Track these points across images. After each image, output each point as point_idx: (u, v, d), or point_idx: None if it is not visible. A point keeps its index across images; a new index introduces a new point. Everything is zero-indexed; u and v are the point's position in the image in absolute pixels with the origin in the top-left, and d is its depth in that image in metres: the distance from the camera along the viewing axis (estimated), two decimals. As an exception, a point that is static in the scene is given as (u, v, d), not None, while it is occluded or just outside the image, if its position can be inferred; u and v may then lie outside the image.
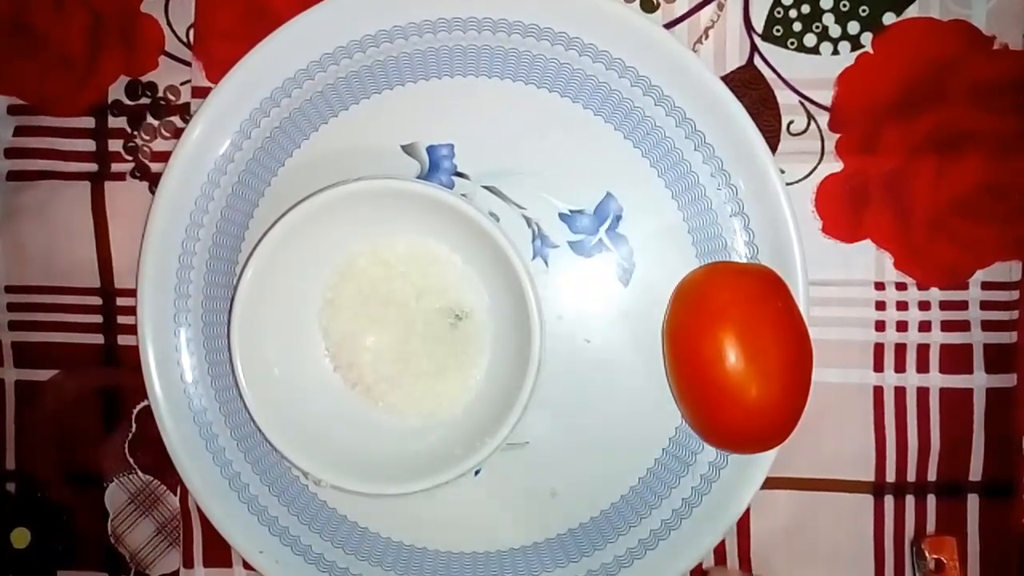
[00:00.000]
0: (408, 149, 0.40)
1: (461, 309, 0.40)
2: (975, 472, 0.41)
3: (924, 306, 0.40)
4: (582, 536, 0.41)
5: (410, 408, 0.40)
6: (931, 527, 0.41)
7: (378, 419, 0.40)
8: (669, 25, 0.40)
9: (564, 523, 0.41)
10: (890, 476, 0.41)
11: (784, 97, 0.40)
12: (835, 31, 0.40)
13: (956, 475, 0.41)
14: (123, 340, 0.43)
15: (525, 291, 0.36)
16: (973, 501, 0.41)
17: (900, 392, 0.41)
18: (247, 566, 0.42)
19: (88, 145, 0.43)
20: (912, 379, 0.41)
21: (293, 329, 0.40)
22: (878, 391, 0.41)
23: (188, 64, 0.42)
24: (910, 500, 0.41)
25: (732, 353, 0.35)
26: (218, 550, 0.43)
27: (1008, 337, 0.40)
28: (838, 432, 0.41)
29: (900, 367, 0.41)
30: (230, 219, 0.41)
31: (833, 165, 0.40)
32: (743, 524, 0.41)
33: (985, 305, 0.40)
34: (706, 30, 0.40)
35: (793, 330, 0.36)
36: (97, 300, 0.43)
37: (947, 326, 0.40)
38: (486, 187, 0.40)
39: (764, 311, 0.36)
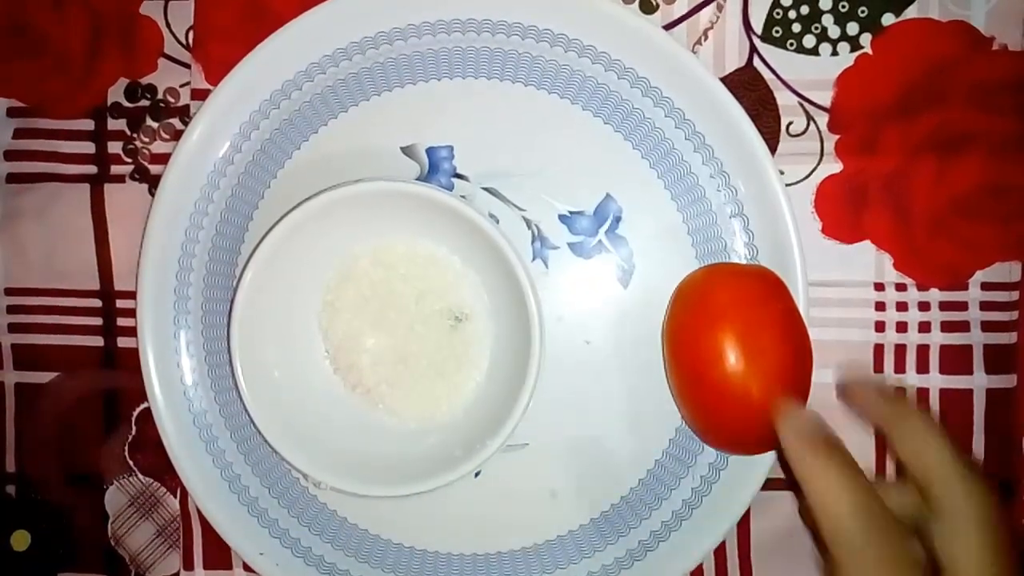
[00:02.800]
0: (407, 151, 0.40)
1: (461, 311, 0.40)
2: (975, 473, 0.41)
3: (924, 307, 0.40)
4: (582, 537, 0.41)
5: (410, 410, 0.40)
6: (931, 528, 0.41)
7: (378, 421, 0.40)
8: (668, 26, 0.40)
9: (564, 524, 0.41)
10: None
11: (783, 98, 0.40)
12: (834, 32, 0.40)
13: (956, 476, 0.41)
14: (123, 342, 0.43)
15: (525, 293, 0.36)
16: (973, 502, 0.41)
17: (900, 393, 0.41)
18: (247, 568, 0.42)
19: (87, 147, 0.43)
20: (912, 380, 0.41)
21: (293, 331, 0.40)
22: (878, 392, 0.41)
23: (187, 66, 0.42)
24: (910, 501, 0.41)
25: (732, 354, 0.35)
26: (218, 552, 0.43)
27: (1008, 338, 0.40)
28: (838, 432, 0.41)
29: (900, 368, 0.41)
30: (230, 221, 0.41)
31: (832, 166, 0.40)
32: (743, 524, 0.41)
33: (985, 306, 0.40)
34: (705, 31, 0.40)
35: (793, 331, 0.36)
36: (97, 302, 0.43)
37: (947, 327, 0.40)
38: (486, 189, 0.40)
39: (764, 312, 0.36)
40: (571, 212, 0.40)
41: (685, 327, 0.37)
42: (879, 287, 0.41)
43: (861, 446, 0.41)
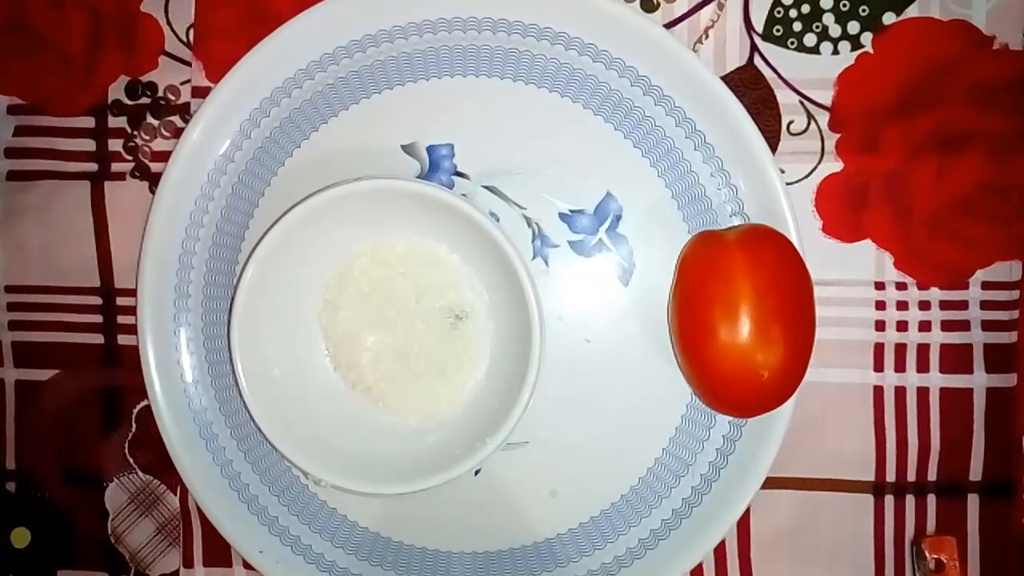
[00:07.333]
0: (408, 149, 0.40)
1: (461, 309, 0.40)
2: (975, 472, 0.41)
3: (924, 306, 0.40)
4: (582, 536, 0.41)
5: (410, 408, 0.40)
6: (931, 527, 0.41)
7: (378, 419, 0.40)
8: (669, 25, 0.40)
9: (564, 523, 0.41)
10: (890, 476, 0.41)
11: (784, 97, 0.40)
12: (835, 31, 0.40)
13: (956, 475, 0.41)
14: (123, 340, 0.43)
15: (525, 291, 0.36)
16: (973, 501, 0.41)
17: (900, 392, 0.41)
18: (247, 566, 0.42)
19: (88, 145, 0.43)
20: (912, 379, 0.41)
21: (293, 329, 0.40)
22: (878, 391, 0.41)
23: (188, 64, 0.42)
24: (910, 500, 0.41)
25: (739, 323, 0.35)
26: (218, 550, 0.43)
27: (1008, 337, 0.40)
28: (838, 432, 0.41)
29: (900, 367, 0.41)
30: (230, 219, 0.41)
31: (833, 165, 0.40)
32: (743, 524, 0.41)
33: (985, 305, 0.40)
34: (706, 30, 0.40)
35: (799, 294, 0.36)
36: (97, 300, 0.43)
37: (947, 326, 0.40)
38: (486, 187, 0.40)
39: (772, 278, 0.36)
40: (571, 210, 0.40)
41: (692, 295, 0.37)
42: (879, 286, 0.41)
43: (861, 447, 0.41)
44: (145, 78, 0.42)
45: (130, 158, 0.43)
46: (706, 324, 0.36)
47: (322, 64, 0.40)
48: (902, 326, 0.40)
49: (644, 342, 0.40)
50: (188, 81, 0.42)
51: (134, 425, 0.43)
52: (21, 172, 0.43)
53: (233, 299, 0.37)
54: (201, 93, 0.41)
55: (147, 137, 0.43)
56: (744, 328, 0.35)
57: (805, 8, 0.40)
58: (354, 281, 0.40)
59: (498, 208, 0.40)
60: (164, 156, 0.41)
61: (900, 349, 0.40)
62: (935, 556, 0.40)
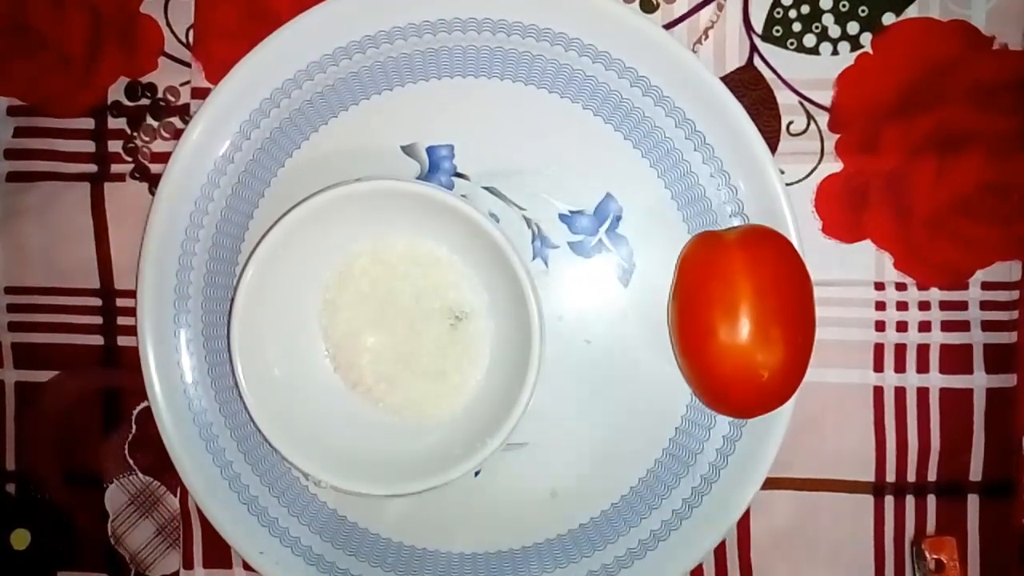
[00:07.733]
0: (408, 150, 0.40)
1: (461, 310, 0.40)
2: (975, 472, 0.41)
3: (924, 306, 0.40)
4: (582, 537, 0.41)
5: (410, 409, 0.40)
6: (931, 527, 0.41)
7: (378, 420, 0.40)
8: (669, 25, 0.40)
9: (564, 524, 0.41)
10: (890, 476, 0.41)
11: (784, 97, 0.40)
12: (835, 31, 0.40)
13: (956, 475, 0.41)
14: (123, 341, 0.43)
15: (525, 292, 0.36)
16: (973, 501, 0.41)
17: (900, 392, 0.41)
18: (247, 567, 0.42)
19: (88, 146, 0.43)
20: (912, 379, 0.41)
21: (293, 330, 0.40)
22: (878, 391, 0.41)
23: (188, 65, 0.42)
24: (910, 500, 0.41)
25: (739, 322, 0.35)
26: (218, 551, 0.43)
27: (1008, 337, 0.40)
28: (838, 432, 0.41)
29: (900, 367, 0.41)
30: (230, 220, 0.41)
31: (833, 165, 0.40)
32: (743, 524, 0.41)
33: (985, 305, 0.40)
34: (706, 30, 0.40)
35: (799, 292, 0.36)
36: (97, 301, 0.43)
37: (947, 326, 0.40)
38: (486, 188, 0.40)
39: (771, 278, 0.36)
40: (571, 211, 0.40)
41: (692, 296, 0.37)
42: (879, 286, 0.41)
43: (861, 447, 0.41)
44: (145, 79, 0.43)
45: (130, 159, 0.43)
46: (706, 324, 0.36)
47: (322, 65, 0.40)
48: (902, 326, 0.40)
49: (644, 342, 0.40)
50: (188, 82, 0.42)
51: (134, 426, 0.43)
52: (21, 173, 0.43)
53: (233, 299, 0.37)
54: (201, 94, 0.41)
55: (147, 138, 0.43)
56: (744, 328, 0.35)
57: (805, 8, 0.40)
58: (354, 281, 0.40)
59: (498, 209, 0.40)
60: (164, 157, 0.41)
61: (900, 349, 0.40)
62: (935, 556, 0.40)
